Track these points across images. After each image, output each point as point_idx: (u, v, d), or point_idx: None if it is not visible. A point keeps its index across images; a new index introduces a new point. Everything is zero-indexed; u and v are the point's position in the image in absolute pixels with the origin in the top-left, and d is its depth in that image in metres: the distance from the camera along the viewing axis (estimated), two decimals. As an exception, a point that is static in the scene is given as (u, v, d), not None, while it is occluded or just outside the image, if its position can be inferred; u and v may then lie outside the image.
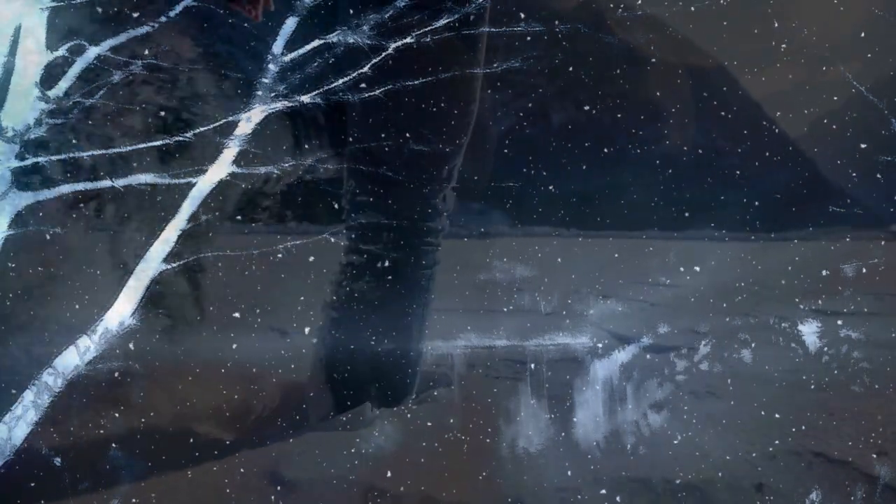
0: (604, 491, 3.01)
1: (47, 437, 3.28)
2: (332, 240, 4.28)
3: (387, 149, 3.88)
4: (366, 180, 4.00)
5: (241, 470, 3.29)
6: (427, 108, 3.87)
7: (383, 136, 3.86)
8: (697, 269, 5.88)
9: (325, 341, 4.14)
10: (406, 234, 4.01)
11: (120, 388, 4.63)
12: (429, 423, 3.84)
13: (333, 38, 3.44)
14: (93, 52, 3.33)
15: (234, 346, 5.77)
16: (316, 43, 3.43)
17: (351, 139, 4.01)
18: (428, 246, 4.16)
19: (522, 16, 4.17)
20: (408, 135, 3.87)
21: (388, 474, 3.10)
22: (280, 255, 4.56)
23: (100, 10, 3.99)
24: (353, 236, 4.22)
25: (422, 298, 4.11)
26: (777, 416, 4.11)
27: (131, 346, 4.17)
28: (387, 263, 3.95)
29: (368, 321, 3.98)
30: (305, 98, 3.43)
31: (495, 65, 4.77)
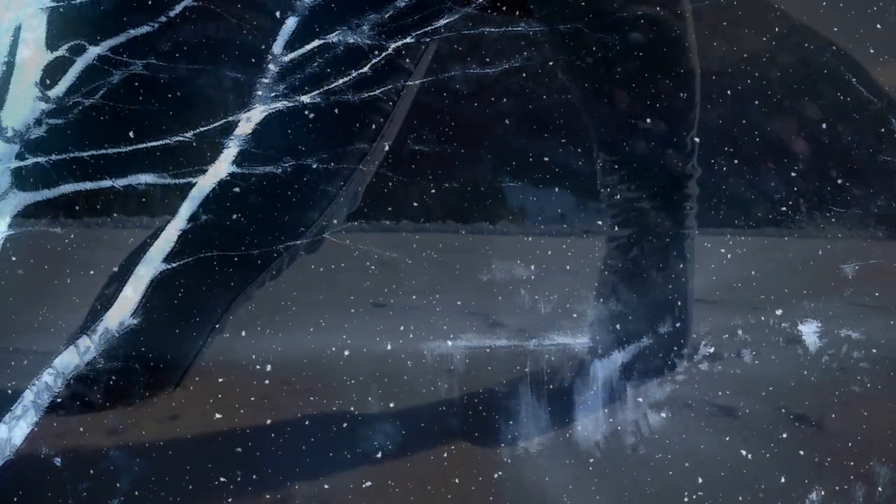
0: (603, 491, 3.02)
1: (47, 437, 3.28)
2: (333, 240, 4.28)
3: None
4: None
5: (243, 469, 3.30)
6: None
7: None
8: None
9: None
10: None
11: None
12: (428, 424, 3.85)
13: (333, 38, 3.44)
14: (93, 52, 3.33)
15: (235, 345, 5.77)
16: (316, 43, 3.42)
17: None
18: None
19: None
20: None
21: (387, 474, 3.10)
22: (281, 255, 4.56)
23: (100, 9, 4.00)
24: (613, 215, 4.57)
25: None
26: (777, 415, 4.12)
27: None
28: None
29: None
30: (305, 98, 3.43)
31: (505, 65, 4.76)
